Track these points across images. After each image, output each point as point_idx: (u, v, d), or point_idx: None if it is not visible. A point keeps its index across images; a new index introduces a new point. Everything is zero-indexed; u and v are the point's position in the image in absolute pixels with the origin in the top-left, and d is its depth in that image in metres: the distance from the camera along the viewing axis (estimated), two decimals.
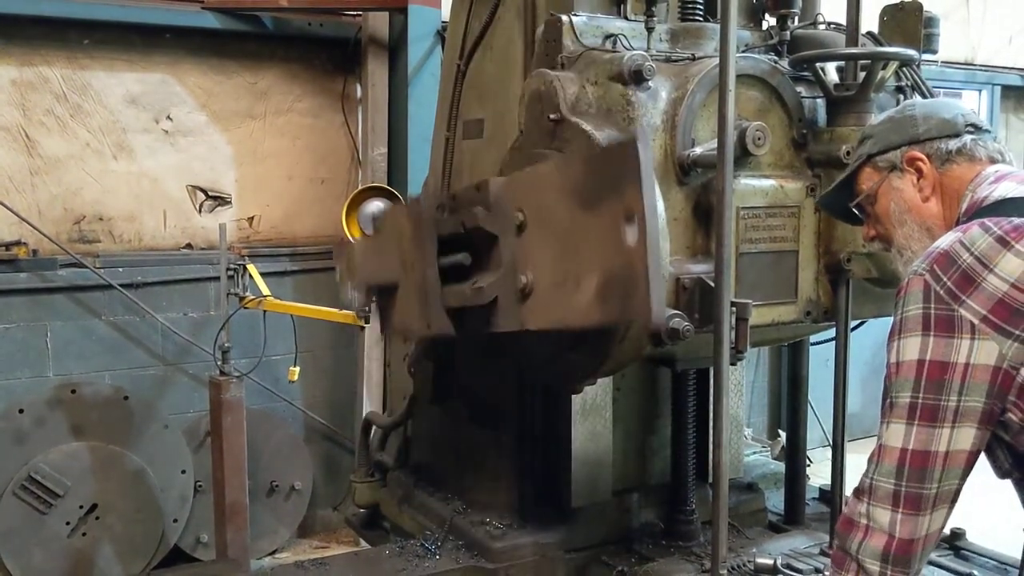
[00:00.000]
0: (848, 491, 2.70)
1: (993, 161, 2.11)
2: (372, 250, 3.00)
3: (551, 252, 2.36)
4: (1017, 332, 1.78)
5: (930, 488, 1.86)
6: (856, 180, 2.25)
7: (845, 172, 2.30)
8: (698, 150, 2.64)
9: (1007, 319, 1.78)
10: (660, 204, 2.53)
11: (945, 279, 1.84)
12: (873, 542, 1.90)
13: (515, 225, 2.45)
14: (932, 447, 1.85)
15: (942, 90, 7.27)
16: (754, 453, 4.12)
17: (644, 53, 2.64)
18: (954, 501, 1.91)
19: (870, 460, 1.94)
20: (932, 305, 1.84)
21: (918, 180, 2.13)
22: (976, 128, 2.15)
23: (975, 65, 8.81)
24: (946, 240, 1.90)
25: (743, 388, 3.48)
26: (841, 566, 1.96)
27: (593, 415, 3.17)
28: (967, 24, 8.74)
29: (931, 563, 3.31)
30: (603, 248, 2.18)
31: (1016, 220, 1.86)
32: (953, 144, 2.12)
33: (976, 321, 1.80)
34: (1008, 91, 9.12)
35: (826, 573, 2.09)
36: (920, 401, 1.85)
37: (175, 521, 5.37)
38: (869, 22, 3.14)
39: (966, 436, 1.85)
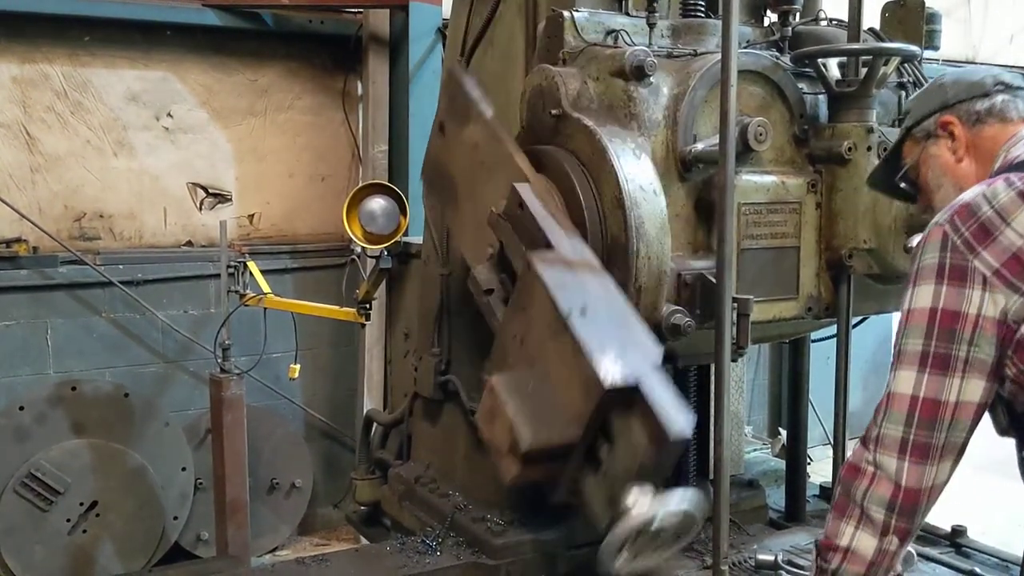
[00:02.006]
0: None
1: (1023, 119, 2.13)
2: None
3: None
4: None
5: (938, 438, 1.88)
6: (900, 156, 2.31)
7: (889, 149, 2.38)
8: (700, 146, 2.64)
9: (1018, 274, 1.80)
10: (662, 199, 2.54)
11: (963, 230, 1.86)
12: (880, 490, 1.91)
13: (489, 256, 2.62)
14: (943, 396, 1.87)
15: None
16: (755, 450, 4.12)
17: (646, 49, 2.65)
18: (959, 455, 1.92)
19: (877, 410, 1.95)
20: (948, 254, 1.87)
21: (951, 143, 2.18)
22: (1007, 87, 2.16)
23: (976, 63, 8.80)
24: (970, 193, 1.92)
25: (743, 385, 3.48)
26: (844, 512, 1.97)
27: None
28: (968, 23, 8.74)
29: (933, 560, 3.31)
30: None
31: None
32: (982, 104, 2.15)
33: (988, 274, 1.82)
34: None
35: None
36: (932, 349, 1.87)
37: (176, 518, 5.37)
38: (871, 18, 3.15)
39: (975, 387, 1.87)
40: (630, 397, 2.03)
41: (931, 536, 3.58)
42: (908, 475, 1.89)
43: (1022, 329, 1.82)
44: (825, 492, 3.88)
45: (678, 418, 2.00)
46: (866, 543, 1.94)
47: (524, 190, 2.47)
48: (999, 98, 2.14)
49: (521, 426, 2.17)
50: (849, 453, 2.05)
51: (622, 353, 2.07)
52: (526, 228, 2.46)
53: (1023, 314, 1.81)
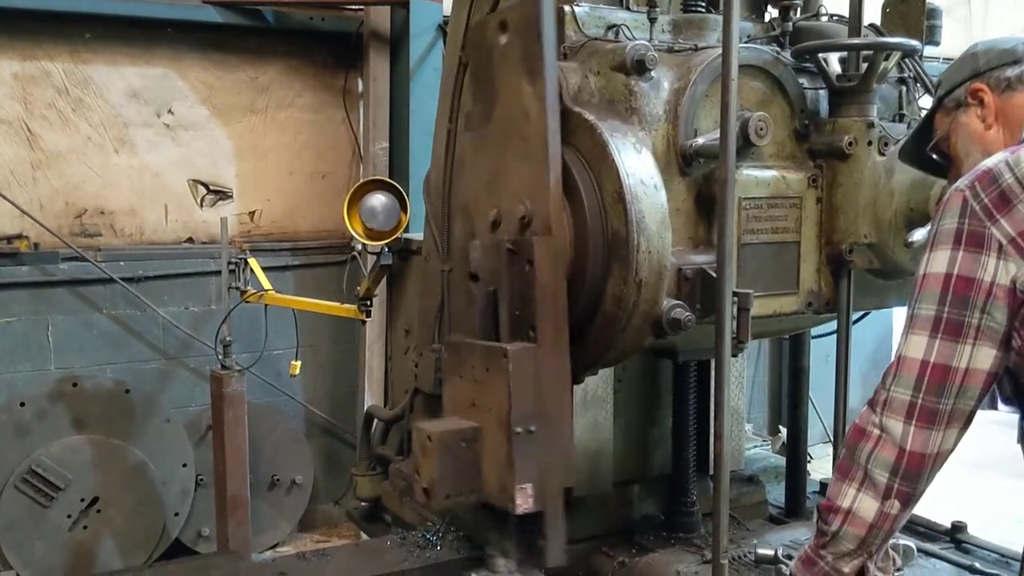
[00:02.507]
0: None
1: None
2: (438, 422, 2.83)
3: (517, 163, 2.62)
4: None
5: (946, 404, 1.88)
6: (932, 128, 2.29)
7: (920, 121, 2.36)
8: (700, 140, 2.64)
9: None
10: (663, 194, 2.54)
11: (983, 196, 1.86)
12: (884, 453, 1.92)
13: (491, 222, 2.69)
14: (953, 362, 1.87)
15: None
16: (755, 447, 4.13)
17: (647, 43, 2.65)
18: (966, 424, 1.92)
19: (887, 374, 1.96)
20: (967, 220, 1.86)
21: (981, 111, 2.16)
22: None
23: None
24: (993, 159, 1.92)
25: (744, 381, 3.49)
26: (847, 475, 1.98)
27: (594, 406, 3.18)
28: (968, 21, 8.74)
29: (933, 555, 3.31)
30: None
31: None
32: (1012, 71, 2.14)
33: (1004, 242, 1.82)
34: None
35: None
36: (945, 315, 1.87)
37: (176, 515, 5.38)
38: (872, 14, 3.15)
39: (986, 355, 1.87)
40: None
41: (931, 532, 3.59)
42: (913, 439, 1.89)
43: None
44: (825, 489, 3.88)
45: (558, 552, 2.51)
46: (868, 505, 1.95)
47: (540, 250, 2.50)
48: None
49: (440, 483, 2.55)
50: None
51: (543, 479, 2.46)
52: (526, 285, 2.55)
53: None
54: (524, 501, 2.44)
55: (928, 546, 3.38)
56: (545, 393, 2.49)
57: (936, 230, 1.92)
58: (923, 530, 3.60)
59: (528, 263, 2.50)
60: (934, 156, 2.32)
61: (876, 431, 1.94)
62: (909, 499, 1.94)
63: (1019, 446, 2.15)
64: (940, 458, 1.92)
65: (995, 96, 2.14)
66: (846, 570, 2.01)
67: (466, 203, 3.01)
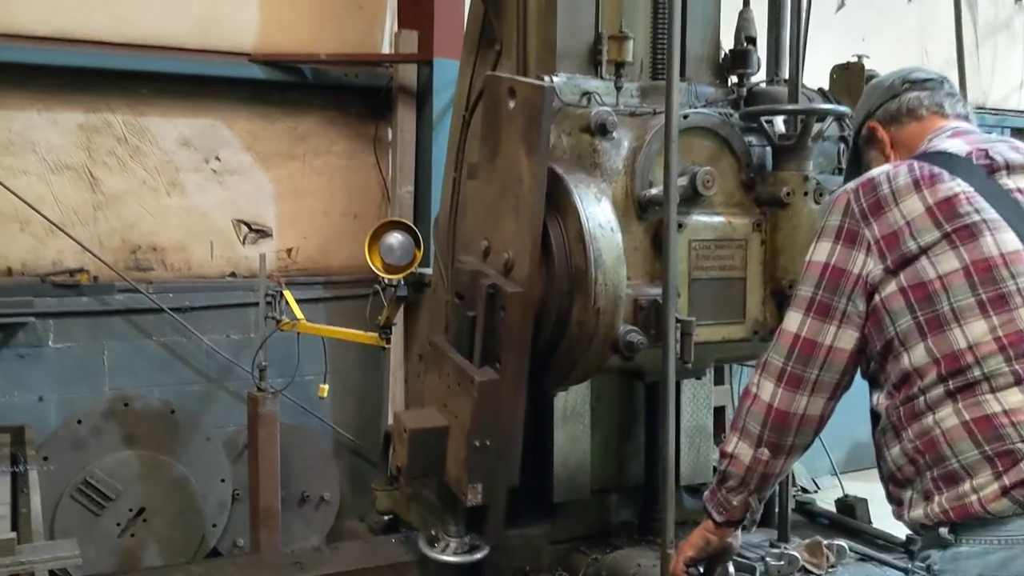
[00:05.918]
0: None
1: (936, 113, 2.41)
2: (416, 415, 3.42)
3: (509, 216, 3.03)
4: (888, 263, 2.14)
5: (811, 373, 2.23)
6: (860, 161, 2.57)
7: (848, 158, 2.71)
8: (653, 191, 3.05)
9: (891, 248, 2.15)
10: (619, 235, 2.97)
11: (863, 200, 2.21)
12: (756, 408, 2.32)
13: (482, 250, 3.09)
14: (820, 339, 2.22)
15: None
16: None
17: (609, 109, 3.06)
18: (833, 396, 2.27)
19: (773, 341, 2.33)
20: (847, 219, 2.22)
21: (879, 145, 2.49)
22: (913, 83, 2.46)
23: (986, 109, 9.11)
24: (879, 169, 2.27)
25: (711, 403, 3.86)
26: (734, 425, 2.40)
27: (573, 421, 3.56)
28: (977, 71, 9.04)
29: (885, 564, 3.62)
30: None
31: (936, 169, 2.18)
32: (894, 105, 2.46)
33: (872, 242, 2.17)
34: (1017, 133, 9.39)
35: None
36: (819, 297, 2.22)
37: (214, 526, 5.76)
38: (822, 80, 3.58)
39: (849, 337, 2.21)
40: None
41: (888, 544, 3.91)
42: (780, 399, 2.26)
43: (875, 297, 2.16)
44: (800, 506, 4.25)
45: (497, 533, 3.15)
46: (744, 451, 2.37)
47: (512, 302, 2.92)
48: (907, 96, 2.43)
49: (410, 466, 3.14)
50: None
51: (492, 480, 3.00)
52: (498, 326, 2.98)
53: (877, 281, 2.15)
54: (474, 496, 2.99)
55: (882, 555, 3.71)
56: (502, 416, 2.97)
57: (824, 223, 2.27)
58: (881, 542, 3.93)
59: (502, 309, 2.96)
60: None
61: (755, 390, 2.33)
62: (777, 448, 2.31)
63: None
64: (807, 420, 2.27)
65: (887, 130, 2.47)
66: (735, 502, 2.46)
67: (467, 241, 3.47)
